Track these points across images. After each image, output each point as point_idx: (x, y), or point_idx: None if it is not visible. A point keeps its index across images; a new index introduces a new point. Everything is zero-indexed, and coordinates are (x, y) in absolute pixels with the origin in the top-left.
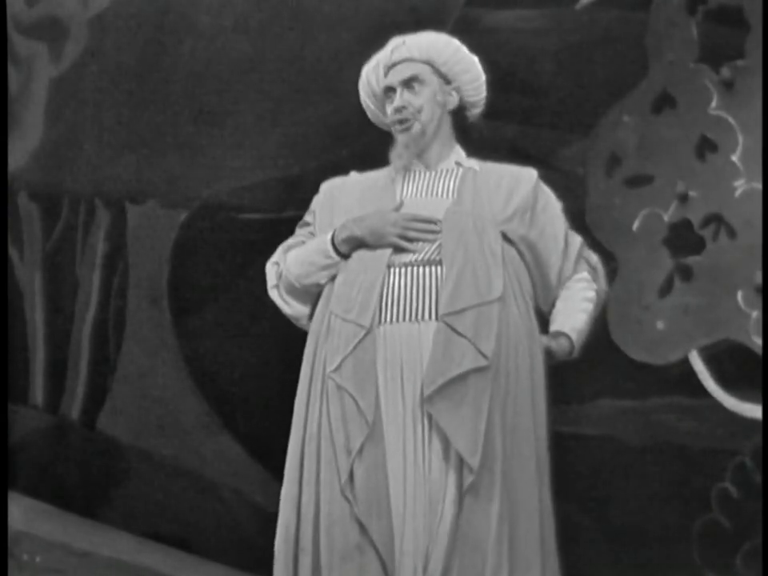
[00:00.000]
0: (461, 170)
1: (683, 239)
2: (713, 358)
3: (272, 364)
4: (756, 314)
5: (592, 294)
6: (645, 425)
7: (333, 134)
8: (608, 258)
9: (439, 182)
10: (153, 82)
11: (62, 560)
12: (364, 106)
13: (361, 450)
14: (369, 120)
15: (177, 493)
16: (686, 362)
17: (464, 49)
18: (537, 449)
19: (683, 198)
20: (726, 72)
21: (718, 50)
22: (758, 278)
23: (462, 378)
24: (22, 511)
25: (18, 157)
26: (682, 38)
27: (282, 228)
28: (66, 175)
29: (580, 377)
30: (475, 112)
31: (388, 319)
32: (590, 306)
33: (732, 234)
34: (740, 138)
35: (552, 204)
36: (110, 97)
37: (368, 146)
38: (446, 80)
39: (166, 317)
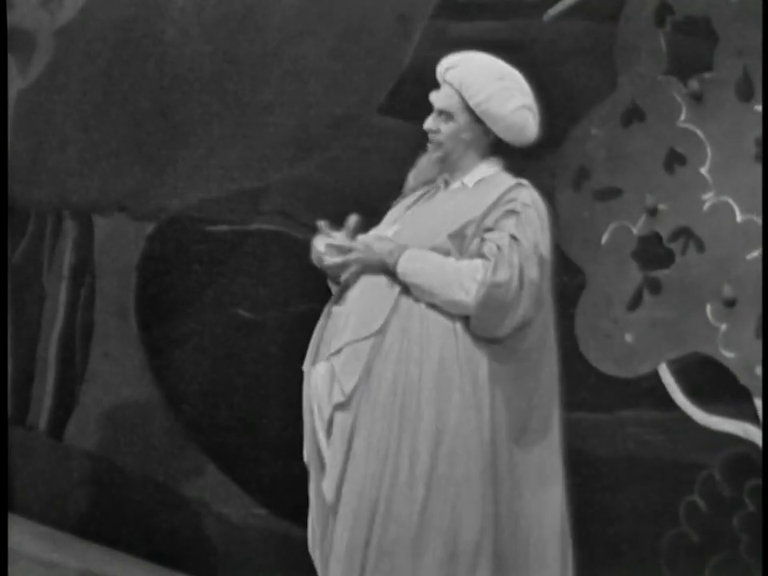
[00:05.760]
0: (457, 189)
1: (652, 252)
2: (682, 372)
3: (239, 376)
4: (724, 327)
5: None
6: (613, 438)
7: (299, 146)
8: (576, 271)
9: (424, 204)
10: (120, 94)
11: (28, 571)
12: None
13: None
14: (335, 133)
15: (144, 504)
16: (654, 375)
17: (502, 93)
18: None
19: (652, 212)
20: (694, 84)
21: (687, 62)
22: (727, 291)
23: (332, 415)
24: None
25: None
26: (651, 50)
27: (249, 240)
28: (33, 187)
29: None
30: (517, 143)
31: (318, 358)
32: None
33: (701, 247)
34: (709, 151)
35: (517, 211)
36: (77, 108)
37: (334, 159)
38: (477, 119)
39: (133, 329)
